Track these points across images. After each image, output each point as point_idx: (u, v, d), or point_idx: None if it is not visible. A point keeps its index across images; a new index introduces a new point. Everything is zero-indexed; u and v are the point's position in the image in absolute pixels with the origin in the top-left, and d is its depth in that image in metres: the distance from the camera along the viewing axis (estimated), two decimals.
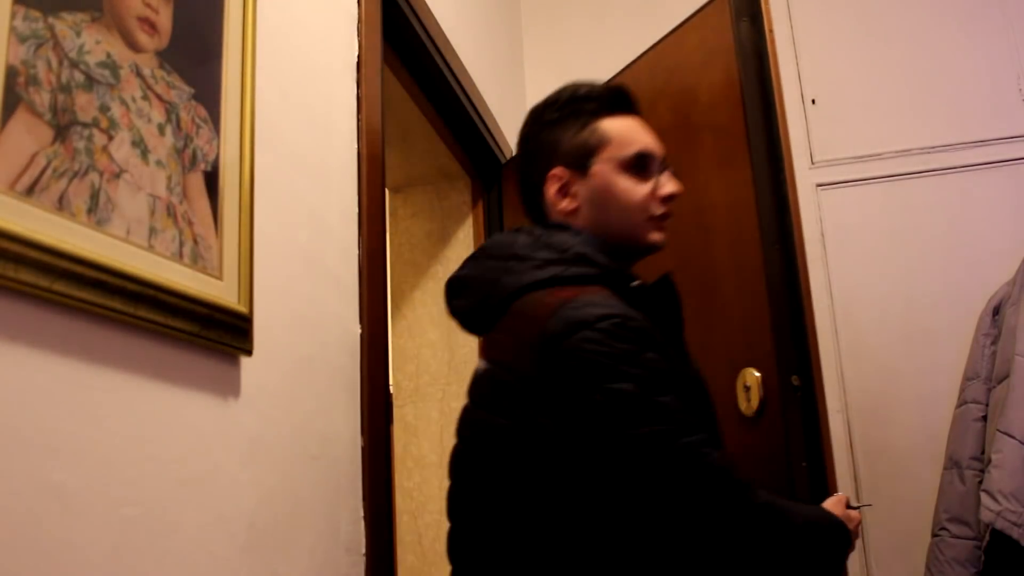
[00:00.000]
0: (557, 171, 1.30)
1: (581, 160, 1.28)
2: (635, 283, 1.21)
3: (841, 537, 1.13)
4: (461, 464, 1.21)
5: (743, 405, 1.79)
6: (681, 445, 1.01)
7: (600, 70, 3.35)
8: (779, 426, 1.66)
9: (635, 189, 1.27)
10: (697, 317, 2.12)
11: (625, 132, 1.30)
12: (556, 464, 1.06)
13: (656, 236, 1.29)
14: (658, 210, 1.28)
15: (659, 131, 1.97)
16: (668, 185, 1.30)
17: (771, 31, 1.81)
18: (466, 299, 1.29)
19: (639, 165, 1.28)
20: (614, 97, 1.34)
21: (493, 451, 1.13)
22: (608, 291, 1.16)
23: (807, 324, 1.71)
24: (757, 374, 1.77)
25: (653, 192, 1.28)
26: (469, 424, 1.21)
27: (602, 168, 1.28)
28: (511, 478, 1.10)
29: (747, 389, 1.78)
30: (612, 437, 1.02)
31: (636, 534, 1.03)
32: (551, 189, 1.30)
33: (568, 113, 1.31)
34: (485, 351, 1.24)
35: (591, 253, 1.21)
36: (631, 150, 1.28)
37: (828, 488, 1.65)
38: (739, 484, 1.02)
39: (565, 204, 1.29)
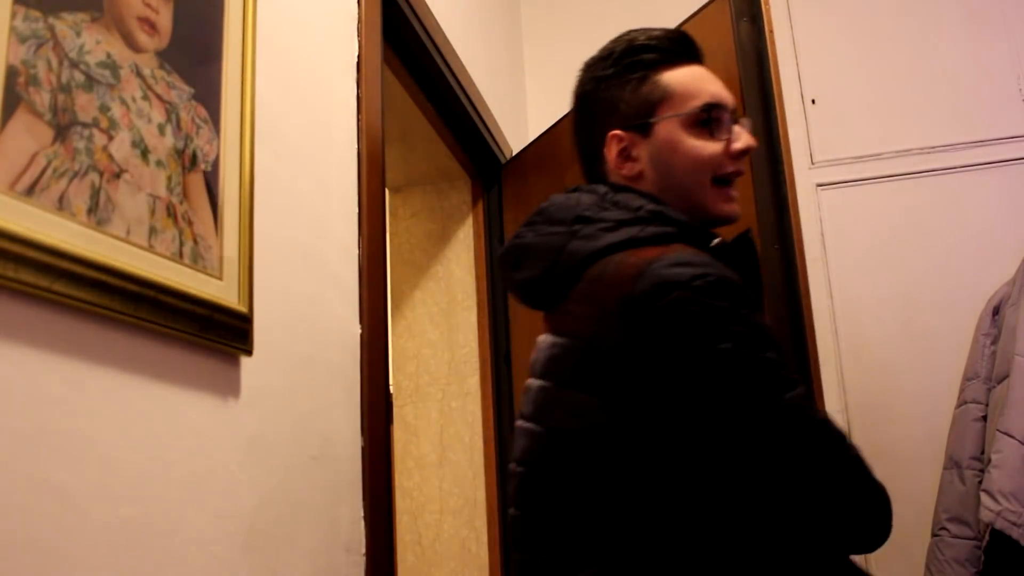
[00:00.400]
0: (617, 133, 1.17)
1: (642, 119, 1.16)
2: (715, 242, 1.10)
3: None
4: (536, 449, 1.09)
5: None
6: (788, 401, 0.95)
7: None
8: None
9: (703, 147, 1.14)
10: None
11: (690, 83, 1.17)
12: (658, 436, 0.98)
13: (725, 208, 1.16)
14: (729, 167, 1.15)
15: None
16: (741, 139, 1.15)
17: (771, 31, 1.80)
18: (529, 269, 1.15)
19: (708, 119, 1.15)
20: (675, 45, 1.20)
21: (581, 432, 1.03)
22: (693, 248, 1.06)
23: (806, 325, 1.70)
24: None
25: (725, 149, 1.14)
26: (545, 406, 1.09)
27: (665, 126, 1.15)
28: (606, 458, 1.00)
29: None
30: (722, 398, 0.96)
31: (749, 495, 0.96)
32: (611, 153, 1.18)
33: (625, 67, 1.19)
34: (554, 325, 1.12)
35: (666, 210, 1.11)
36: (697, 103, 1.15)
37: None
38: (839, 437, 0.96)
39: (627, 168, 1.17)
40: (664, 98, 1.16)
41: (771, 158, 1.73)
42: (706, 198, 1.15)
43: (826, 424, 0.96)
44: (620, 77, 1.19)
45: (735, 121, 1.17)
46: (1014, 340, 1.95)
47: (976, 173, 2.71)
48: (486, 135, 2.67)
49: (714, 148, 1.14)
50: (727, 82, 1.80)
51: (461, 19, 2.43)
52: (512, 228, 2.73)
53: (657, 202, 1.12)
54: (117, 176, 0.92)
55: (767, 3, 1.83)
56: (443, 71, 2.27)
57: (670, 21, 3.55)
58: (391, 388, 2.72)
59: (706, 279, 0.98)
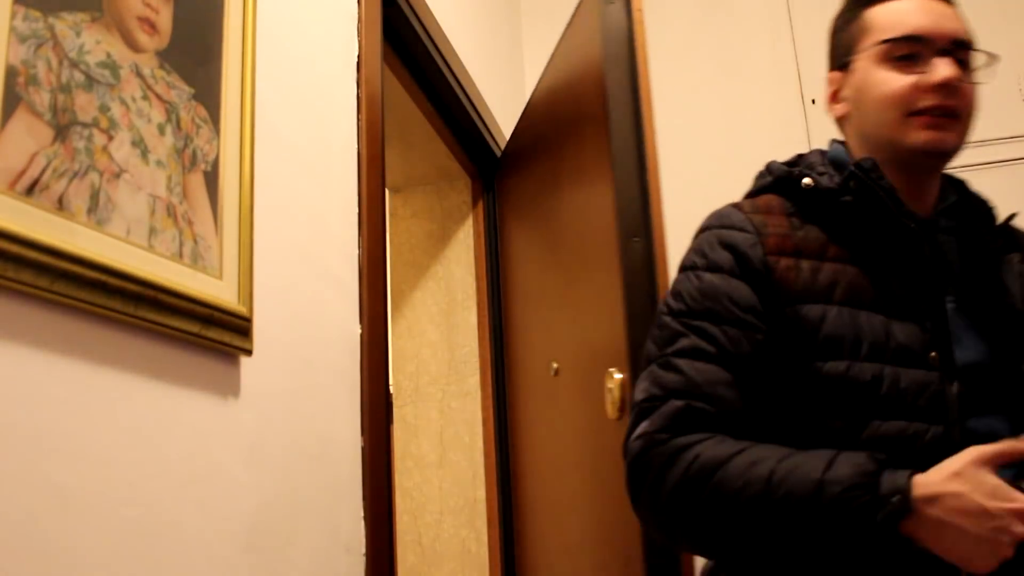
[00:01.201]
0: (830, 75, 1.16)
1: (845, 57, 1.12)
2: (805, 182, 1.08)
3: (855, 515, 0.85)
4: None
5: (608, 407, 1.70)
6: (659, 356, 1.02)
7: None
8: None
9: (891, 80, 1.06)
10: (570, 314, 2.05)
11: (891, 15, 1.09)
12: None
13: (921, 136, 1.04)
14: (923, 102, 1.04)
15: (558, 124, 1.85)
16: (937, 70, 1.04)
17: (639, 10, 1.72)
18: None
19: (903, 53, 1.06)
20: None
21: None
22: (776, 198, 1.10)
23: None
24: (618, 376, 1.66)
25: (916, 81, 1.05)
26: None
27: (861, 62, 1.10)
28: None
29: (610, 391, 1.68)
30: (650, 333, 1.06)
31: None
32: (828, 96, 1.16)
33: (847, 7, 1.16)
34: None
35: (779, 164, 1.13)
36: (891, 35, 1.07)
37: None
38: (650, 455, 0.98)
39: (836, 110, 1.15)
40: (863, 34, 1.10)
41: (636, 148, 1.66)
42: (896, 131, 1.06)
43: (638, 442, 0.99)
44: (842, 18, 1.16)
45: (947, 53, 1.06)
46: None
47: (976, 173, 2.70)
48: (486, 135, 2.67)
49: (903, 81, 1.06)
50: (596, 67, 1.72)
51: (461, 19, 2.43)
52: (508, 225, 2.72)
53: (813, 155, 1.13)
54: (117, 176, 0.92)
55: None
56: (443, 71, 2.27)
57: (670, 20, 3.55)
58: (391, 388, 2.72)
59: (706, 230, 1.09)
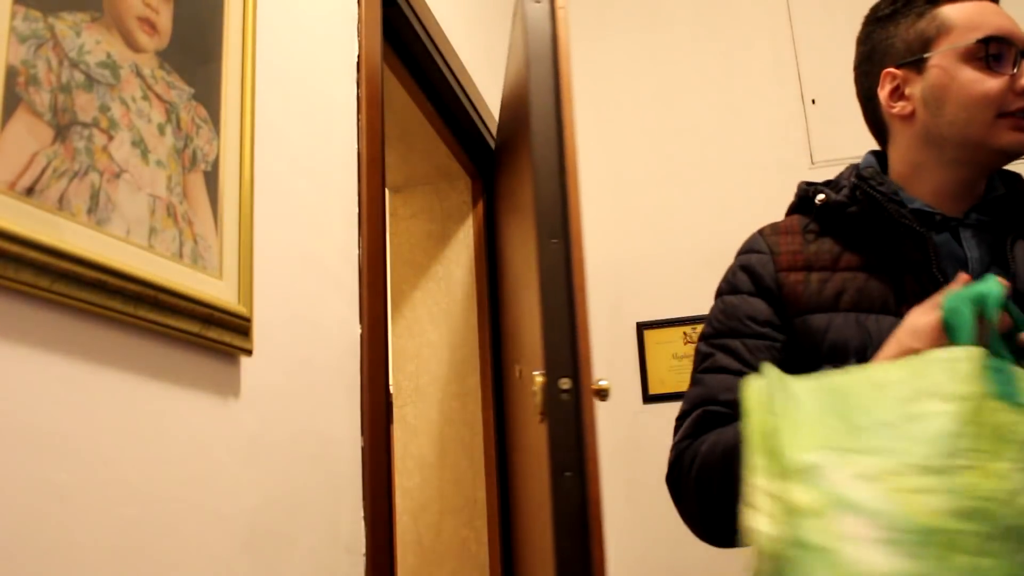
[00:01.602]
0: (891, 70, 1.13)
1: (916, 54, 1.10)
2: (819, 199, 1.13)
3: None
4: None
5: (532, 410, 1.70)
6: (693, 379, 1.10)
7: (600, 70, 3.36)
8: (546, 433, 1.52)
9: (981, 81, 1.05)
10: (525, 316, 2.03)
11: (972, 15, 1.09)
12: None
13: (1011, 137, 1.05)
14: (1016, 103, 1.04)
15: (511, 121, 1.81)
16: None
17: (562, 8, 1.71)
18: None
19: (990, 54, 1.06)
20: None
21: None
22: (799, 217, 1.15)
23: (579, 324, 1.59)
24: (540, 379, 1.63)
25: (1011, 84, 1.04)
26: None
27: (941, 61, 1.08)
28: None
29: (534, 394, 1.65)
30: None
31: None
32: (884, 91, 1.13)
33: (905, 2, 1.14)
34: None
35: (806, 184, 1.17)
36: (977, 35, 1.06)
37: (593, 503, 1.49)
38: (675, 464, 1.07)
39: (899, 108, 1.12)
40: (941, 32, 1.09)
41: (558, 147, 1.65)
42: (986, 132, 1.05)
43: (675, 451, 1.08)
44: (899, 14, 1.14)
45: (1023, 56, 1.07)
46: None
47: None
48: (486, 135, 2.67)
49: (995, 83, 1.05)
50: (521, 67, 1.67)
51: (461, 19, 2.43)
52: (499, 222, 2.72)
53: (851, 171, 1.15)
54: (117, 176, 0.92)
55: None
56: (443, 71, 2.27)
57: (670, 21, 3.55)
58: (391, 388, 2.72)
59: (737, 258, 1.15)
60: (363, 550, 1.46)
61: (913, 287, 1.04)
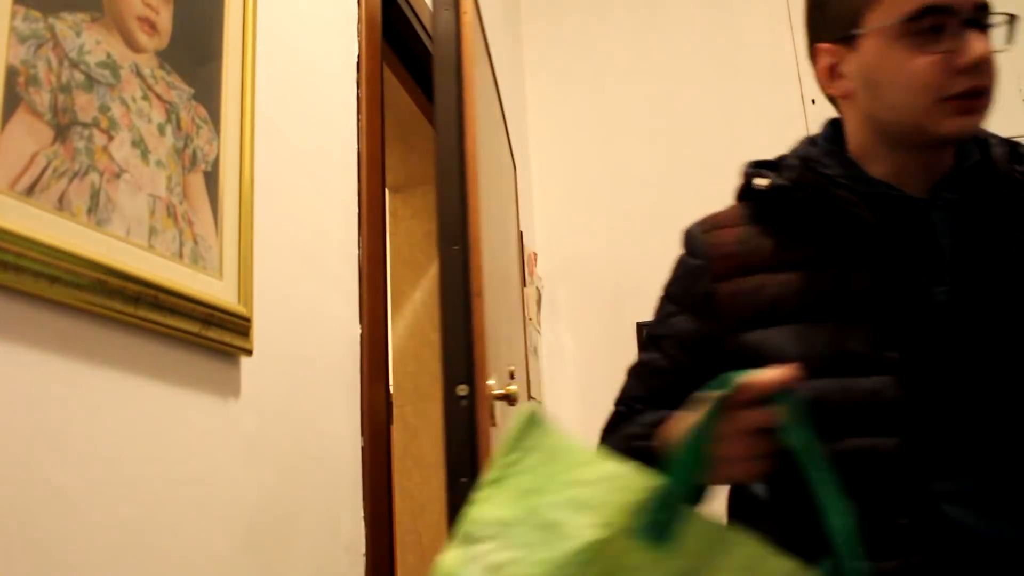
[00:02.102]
0: (823, 46, 0.99)
1: (847, 28, 0.96)
2: (756, 182, 1.01)
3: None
4: None
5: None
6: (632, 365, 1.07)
7: (600, 71, 3.36)
8: (443, 439, 1.53)
9: (916, 63, 0.90)
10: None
11: None
12: None
13: (955, 123, 0.91)
14: (957, 86, 0.89)
15: None
16: (969, 49, 0.89)
17: (468, 12, 1.69)
18: None
19: (924, 27, 0.90)
20: None
21: None
22: (738, 208, 1.04)
23: (475, 329, 1.56)
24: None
25: (946, 61, 0.89)
26: None
27: (873, 38, 0.93)
28: None
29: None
30: None
31: None
32: (819, 68, 1.01)
33: None
34: None
35: (758, 164, 1.03)
36: (909, 6, 0.91)
37: None
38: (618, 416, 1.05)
39: (836, 87, 0.99)
40: (871, 2, 0.94)
41: (459, 153, 1.63)
42: (926, 118, 0.91)
43: (605, 429, 1.04)
44: None
45: (974, 24, 0.91)
46: None
47: None
48: None
49: (931, 64, 0.90)
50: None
51: None
52: None
53: (801, 147, 1.02)
54: (117, 176, 0.92)
55: None
56: None
57: (669, 21, 3.55)
58: (391, 388, 2.72)
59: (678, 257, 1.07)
60: (363, 550, 1.46)
61: (861, 285, 0.92)
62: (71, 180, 0.85)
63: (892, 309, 0.90)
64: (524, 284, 2.90)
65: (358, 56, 1.68)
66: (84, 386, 0.86)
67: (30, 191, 0.80)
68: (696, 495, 0.78)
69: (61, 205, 0.83)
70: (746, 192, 1.04)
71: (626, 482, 0.77)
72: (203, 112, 1.09)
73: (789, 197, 0.98)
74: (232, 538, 1.08)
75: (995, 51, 0.93)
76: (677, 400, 0.89)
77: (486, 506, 0.78)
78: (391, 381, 2.71)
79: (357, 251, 1.59)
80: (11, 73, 0.79)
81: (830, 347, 0.90)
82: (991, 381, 0.88)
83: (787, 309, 0.93)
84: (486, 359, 1.57)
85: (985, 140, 1.01)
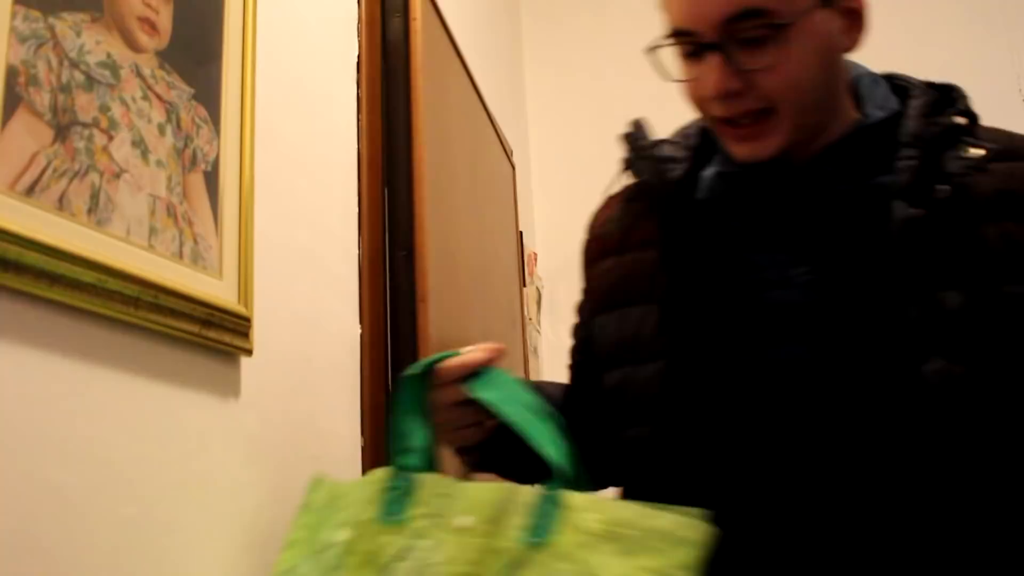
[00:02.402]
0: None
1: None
2: (623, 173, 0.95)
3: None
4: None
5: None
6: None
7: (600, 70, 3.36)
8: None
9: (687, 82, 0.86)
10: None
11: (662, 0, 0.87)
12: None
13: (736, 149, 0.85)
14: (715, 111, 0.84)
15: None
16: (705, 80, 0.82)
17: (416, 20, 1.71)
18: None
19: (682, 51, 0.86)
20: None
21: None
22: (616, 197, 1.01)
23: (419, 336, 1.59)
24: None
25: (696, 88, 0.85)
26: None
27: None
28: None
29: None
30: None
31: None
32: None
33: None
34: None
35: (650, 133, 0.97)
36: (668, 27, 0.86)
37: None
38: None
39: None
40: (664, 14, 0.88)
41: (407, 159, 1.66)
42: (720, 137, 0.87)
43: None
44: None
45: (717, 47, 0.80)
46: None
47: None
48: None
49: (689, 87, 0.86)
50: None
51: (461, 19, 2.43)
52: None
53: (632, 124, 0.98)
54: (117, 176, 0.92)
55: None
56: None
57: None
58: (391, 388, 2.71)
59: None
60: None
61: (678, 265, 0.85)
62: (71, 180, 0.85)
63: (679, 290, 0.83)
64: (524, 284, 2.90)
65: (358, 56, 1.68)
66: (84, 386, 0.86)
67: (30, 191, 0.80)
68: (429, 463, 0.87)
69: (61, 205, 0.83)
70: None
71: (372, 476, 0.88)
72: (203, 112, 1.09)
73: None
74: (232, 538, 1.08)
75: (746, 72, 0.78)
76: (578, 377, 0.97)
77: (282, 566, 0.88)
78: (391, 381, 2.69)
79: (357, 251, 1.59)
80: (11, 73, 0.79)
81: (630, 332, 0.87)
82: (844, 382, 0.77)
83: (627, 291, 0.90)
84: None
85: (906, 89, 0.90)
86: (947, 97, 0.89)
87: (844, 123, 0.87)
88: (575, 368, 1.03)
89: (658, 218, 0.88)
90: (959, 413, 0.73)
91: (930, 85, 0.90)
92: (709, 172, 0.90)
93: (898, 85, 0.90)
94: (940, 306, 0.74)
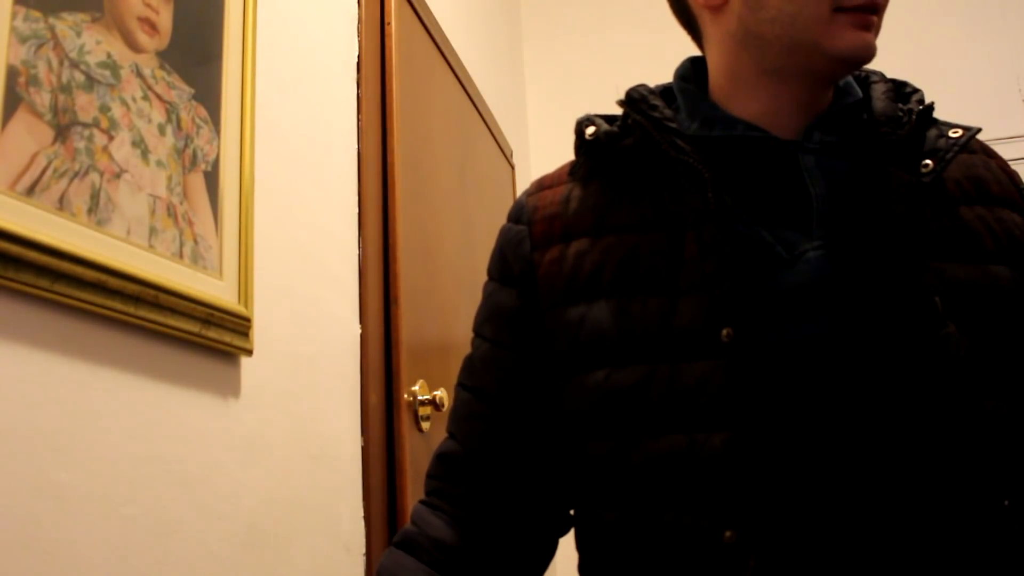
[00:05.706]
0: None
1: None
2: (588, 132, 0.85)
3: None
4: None
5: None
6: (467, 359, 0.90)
7: (601, 69, 3.36)
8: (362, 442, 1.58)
9: None
10: None
11: None
12: None
13: (850, 38, 0.77)
14: None
15: None
16: None
17: (390, 24, 1.74)
18: None
19: None
20: None
21: None
22: (574, 163, 0.88)
23: (392, 336, 1.61)
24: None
25: None
26: None
27: None
28: None
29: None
30: None
31: None
32: None
33: None
34: None
35: (592, 115, 0.87)
36: None
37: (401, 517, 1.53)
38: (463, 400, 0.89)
39: None
40: None
41: (382, 159, 1.68)
42: (820, 32, 0.77)
43: (460, 389, 0.89)
44: None
45: None
46: None
47: None
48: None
49: None
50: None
51: (461, 19, 2.43)
52: None
53: (638, 91, 0.85)
54: (117, 176, 0.92)
55: None
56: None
57: (669, 19, 3.54)
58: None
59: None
60: (363, 550, 1.46)
61: (693, 248, 0.77)
62: (71, 180, 0.85)
63: (729, 277, 0.75)
64: None
65: (358, 56, 1.68)
66: (84, 386, 0.86)
67: (30, 191, 0.80)
68: None
69: (61, 205, 0.83)
70: (580, 145, 0.87)
71: None
72: (203, 112, 1.09)
73: (615, 147, 0.83)
74: (232, 538, 1.08)
75: None
76: (515, 390, 0.82)
77: None
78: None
79: (357, 251, 1.59)
80: (11, 73, 0.79)
81: (655, 325, 0.76)
82: (873, 355, 0.72)
83: (609, 280, 0.79)
84: (402, 366, 1.61)
85: (866, 77, 0.88)
86: (903, 86, 0.87)
87: (825, 100, 0.84)
88: (505, 376, 0.85)
89: (708, 195, 0.78)
90: (982, 376, 0.72)
91: (882, 75, 0.89)
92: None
93: (855, 75, 0.87)
94: (943, 276, 0.73)
